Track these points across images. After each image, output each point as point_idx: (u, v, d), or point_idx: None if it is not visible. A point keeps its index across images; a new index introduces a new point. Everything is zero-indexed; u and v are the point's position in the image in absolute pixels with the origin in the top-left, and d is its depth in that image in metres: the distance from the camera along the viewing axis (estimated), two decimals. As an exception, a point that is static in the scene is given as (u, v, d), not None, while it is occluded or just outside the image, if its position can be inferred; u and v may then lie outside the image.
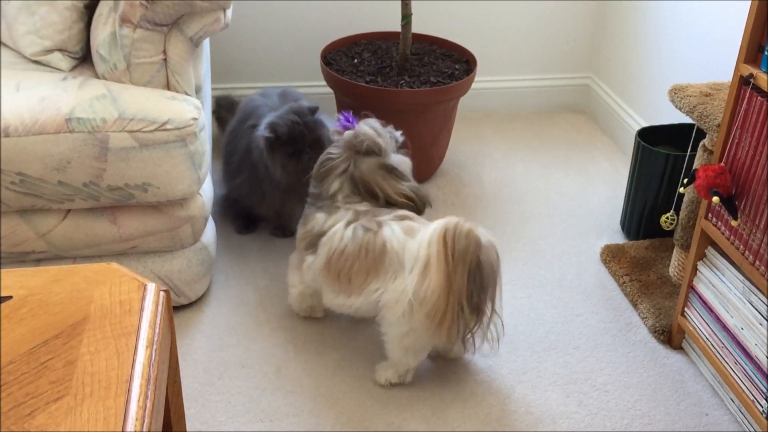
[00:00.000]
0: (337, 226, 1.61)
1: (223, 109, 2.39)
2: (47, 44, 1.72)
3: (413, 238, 1.54)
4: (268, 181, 1.92)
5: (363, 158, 1.63)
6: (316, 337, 1.80)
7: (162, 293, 1.06)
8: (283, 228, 2.11)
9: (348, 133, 1.65)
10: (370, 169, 1.63)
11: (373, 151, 1.63)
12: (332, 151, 1.66)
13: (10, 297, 1.03)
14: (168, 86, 1.69)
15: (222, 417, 1.59)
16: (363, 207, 1.64)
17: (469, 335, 1.56)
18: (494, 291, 1.55)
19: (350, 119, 1.68)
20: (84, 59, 1.79)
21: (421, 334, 1.55)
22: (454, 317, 1.48)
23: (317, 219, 1.65)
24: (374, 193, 1.65)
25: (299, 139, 1.82)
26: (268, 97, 2.04)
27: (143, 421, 0.87)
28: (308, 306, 1.82)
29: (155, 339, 0.98)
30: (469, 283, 1.48)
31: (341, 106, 2.33)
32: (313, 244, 1.65)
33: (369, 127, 1.65)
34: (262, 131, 1.83)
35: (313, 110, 1.85)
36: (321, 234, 1.63)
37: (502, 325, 1.61)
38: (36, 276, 1.07)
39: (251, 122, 1.95)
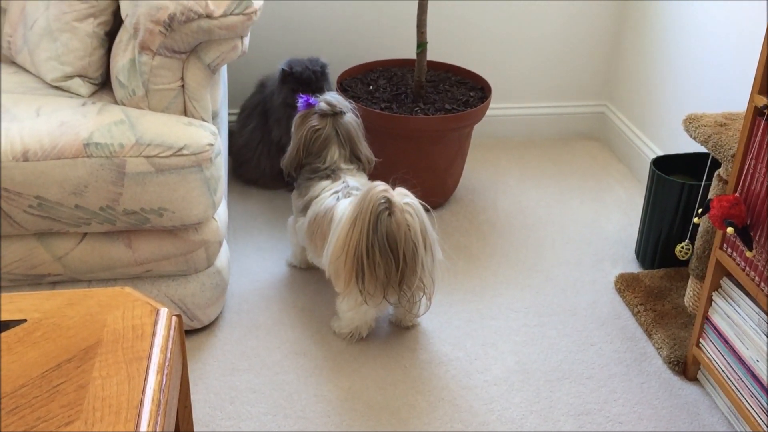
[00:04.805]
0: (325, 194, 1.83)
1: None
2: (68, 70, 1.75)
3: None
4: (275, 123, 2.27)
5: (339, 119, 1.89)
6: (328, 364, 1.80)
7: (174, 318, 1.07)
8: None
9: (320, 105, 1.89)
10: (351, 124, 1.91)
11: (342, 111, 1.90)
12: (314, 124, 1.88)
13: (25, 320, 1.04)
14: (185, 112, 1.71)
15: (232, 442, 1.59)
16: (355, 181, 1.86)
17: (396, 297, 1.71)
18: (411, 252, 1.66)
19: (310, 99, 1.91)
20: (103, 85, 1.82)
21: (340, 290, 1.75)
22: (352, 273, 1.66)
23: (321, 185, 1.86)
24: (355, 151, 1.92)
25: (307, 81, 2.20)
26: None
27: (152, 447, 0.87)
28: (307, 260, 2.03)
29: (166, 364, 0.99)
30: (368, 242, 1.62)
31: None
32: (306, 207, 1.87)
33: (329, 96, 1.91)
34: (282, 65, 2.23)
35: (324, 67, 2.25)
36: (314, 198, 1.85)
37: (432, 287, 1.74)
38: (50, 299, 1.08)
39: (263, 82, 2.38)
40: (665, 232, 2.06)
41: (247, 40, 1.73)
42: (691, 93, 2.31)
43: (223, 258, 1.85)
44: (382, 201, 1.63)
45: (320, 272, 2.05)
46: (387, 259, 1.65)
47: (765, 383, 1.51)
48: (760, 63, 1.46)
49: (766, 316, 1.52)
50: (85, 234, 1.66)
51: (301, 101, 1.92)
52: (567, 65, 2.77)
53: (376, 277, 1.66)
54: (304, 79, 2.21)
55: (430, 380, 1.76)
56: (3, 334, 1.02)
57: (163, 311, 1.07)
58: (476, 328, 1.93)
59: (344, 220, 1.68)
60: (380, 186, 1.65)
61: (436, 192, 2.37)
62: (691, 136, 1.79)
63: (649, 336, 1.91)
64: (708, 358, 1.71)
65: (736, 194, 1.54)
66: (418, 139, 2.22)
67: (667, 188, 2.00)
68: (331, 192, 1.83)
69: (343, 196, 1.80)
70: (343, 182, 1.85)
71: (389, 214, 1.63)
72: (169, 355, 1.00)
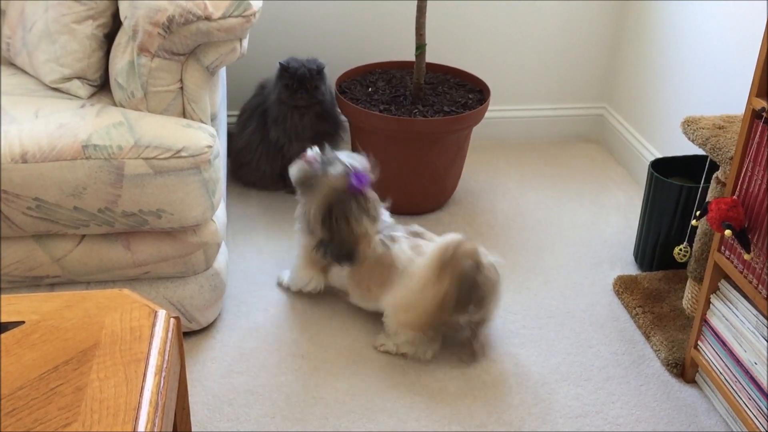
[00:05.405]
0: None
1: None
2: (67, 72, 1.75)
3: (420, 256, 1.75)
4: (273, 122, 2.29)
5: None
6: (326, 366, 1.80)
7: (172, 320, 1.07)
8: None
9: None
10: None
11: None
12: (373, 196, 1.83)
13: (23, 322, 1.04)
14: (184, 114, 1.71)
15: (231, 444, 1.59)
16: (386, 215, 1.88)
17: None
18: (491, 307, 1.78)
19: (363, 177, 1.78)
20: (102, 87, 1.82)
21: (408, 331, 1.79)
22: (435, 325, 1.73)
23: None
24: None
25: (302, 78, 2.23)
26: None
27: (150, 449, 0.87)
28: (312, 287, 1.96)
29: (164, 366, 0.99)
30: (460, 298, 1.69)
31: (355, 134, 2.34)
32: None
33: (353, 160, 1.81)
34: (281, 60, 2.28)
35: (321, 67, 2.27)
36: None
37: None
38: (49, 301, 1.09)
39: (263, 84, 2.41)
40: (663, 235, 2.06)
41: (245, 42, 1.73)
42: (689, 95, 2.31)
43: (221, 260, 1.85)
44: (472, 263, 1.70)
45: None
46: (478, 313, 1.76)
47: (763, 386, 1.51)
48: (758, 66, 1.46)
49: (763, 319, 1.52)
50: (84, 236, 1.66)
51: (355, 180, 1.77)
52: (566, 67, 2.77)
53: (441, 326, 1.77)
54: (299, 75, 2.22)
55: (429, 382, 1.76)
56: (1, 336, 1.02)
57: (161, 313, 1.07)
58: (475, 330, 1.93)
59: (427, 276, 1.69)
60: (464, 241, 1.69)
61: (435, 194, 2.37)
62: (689, 138, 1.79)
63: (648, 338, 1.91)
64: (706, 360, 1.71)
65: (734, 197, 1.54)
66: (417, 141, 2.22)
67: (665, 191, 2.01)
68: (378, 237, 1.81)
69: (389, 240, 1.80)
70: (382, 220, 1.84)
71: (479, 276, 1.71)
72: (167, 357, 1.01)
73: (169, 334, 1.04)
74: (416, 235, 1.84)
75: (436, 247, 1.70)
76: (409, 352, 1.81)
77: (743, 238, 1.50)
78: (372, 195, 1.82)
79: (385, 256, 1.78)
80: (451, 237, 1.70)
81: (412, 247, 1.78)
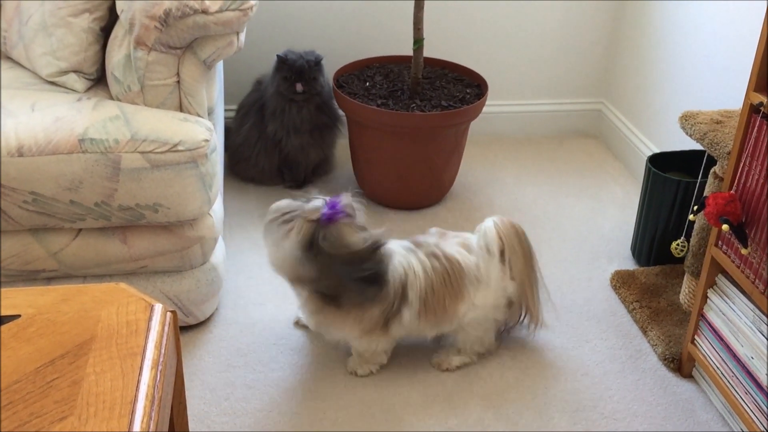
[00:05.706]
0: (407, 264, 1.64)
1: None
2: (63, 65, 1.74)
3: (472, 252, 1.71)
4: (271, 116, 2.30)
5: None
6: (324, 360, 1.80)
7: (169, 314, 1.07)
8: (293, 174, 2.43)
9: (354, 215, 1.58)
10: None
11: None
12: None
13: (19, 316, 1.04)
14: (181, 108, 1.71)
15: (227, 438, 1.59)
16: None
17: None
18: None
19: (333, 205, 1.54)
20: (99, 80, 1.81)
21: (493, 326, 1.79)
22: (527, 303, 1.79)
23: (395, 266, 1.62)
24: None
25: (299, 70, 2.23)
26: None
27: (146, 443, 0.87)
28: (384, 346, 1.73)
29: (160, 360, 0.99)
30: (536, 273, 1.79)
31: (353, 129, 2.34)
32: (403, 294, 1.63)
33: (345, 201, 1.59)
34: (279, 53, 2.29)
35: (319, 58, 2.28)
36: (404, 281, 1.63)
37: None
38: (45, 295, 1.08)
39: (260, 80, 2.41)
40: (661, 230, 2.06)
41: (243, 36, 1.73)
42: (687, 90, 2.31)
43: (218, 254, 1.85)
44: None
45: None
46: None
47: (759, 380, 1.51)
48: (756, 60, 1.46)
49: (760, 314, 1.53)
50: (80, 230, 1.66)
51: (328, 209, 1.53)
52: (564, 62, 2.77)
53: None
54: (297, 67, 2.23)
55: (425, 377, 1.76)
56: (-3, 329, 1.02)
57: (158, 307, 1.06)
58: (472, 324, 1.93)
59: (518, 259, 1.73)
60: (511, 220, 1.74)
61: (433, 189, 2.37)
62: (687, 133, 1.79)
63: (645, 333, 1.91)
64: (703, 355, 1.71)
65: (732, 191, 1.54)
66: (415, 136, 2.22)
67: (663, 185, 2.01)
68: (405, 253, 1.66)
69: (438, 249, 1.68)
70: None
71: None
72: (163, 351, 1.00)
73: (166, 328, 1.04)
74: (443, 234, 1.74)
75: (503, 227, 1.71)
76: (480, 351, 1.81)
77: (740, 232, 1.50)
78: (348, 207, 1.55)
79: (445, 268, 1.66)
80: (500, 218, 1.73)
81: (462, 245, 1.70)
